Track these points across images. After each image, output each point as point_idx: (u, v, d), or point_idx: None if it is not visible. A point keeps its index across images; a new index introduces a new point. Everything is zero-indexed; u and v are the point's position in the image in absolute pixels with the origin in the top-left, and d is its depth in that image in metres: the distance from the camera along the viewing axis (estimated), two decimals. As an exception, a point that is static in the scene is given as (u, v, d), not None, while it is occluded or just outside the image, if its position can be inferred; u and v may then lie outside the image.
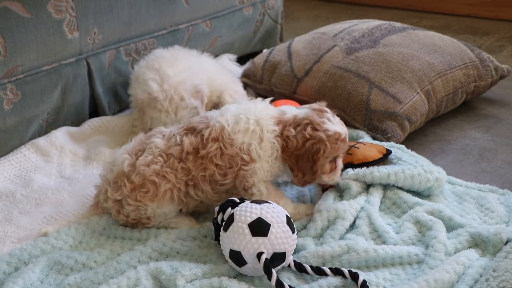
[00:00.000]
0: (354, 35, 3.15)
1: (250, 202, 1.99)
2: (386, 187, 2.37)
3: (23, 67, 2.65)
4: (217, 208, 2.06)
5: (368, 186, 2.37)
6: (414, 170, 2.33)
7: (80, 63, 2.90)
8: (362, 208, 2.25)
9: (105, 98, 3.06)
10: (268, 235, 1.89)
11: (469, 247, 2.07)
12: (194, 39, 3.42)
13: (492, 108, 3.15)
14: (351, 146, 2.46)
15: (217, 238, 2.04)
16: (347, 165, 2.38)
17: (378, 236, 2.16)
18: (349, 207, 2.21)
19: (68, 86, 2.87)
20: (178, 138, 2.15)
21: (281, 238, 1.90)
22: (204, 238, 2.17)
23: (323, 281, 1.93)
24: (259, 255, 1.87)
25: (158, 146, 2.16)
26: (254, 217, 1.91)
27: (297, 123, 2.18)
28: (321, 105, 2.28)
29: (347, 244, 2.05)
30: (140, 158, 2.14)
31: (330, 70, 3.00)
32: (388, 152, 2.49)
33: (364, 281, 1.90)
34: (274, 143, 2.16)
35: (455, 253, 2.03)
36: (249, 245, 1.88)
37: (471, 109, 3.15)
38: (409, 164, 2.40)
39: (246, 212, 1.93)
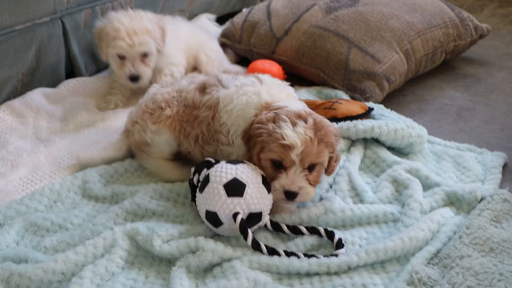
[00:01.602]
0: (333, -7, 3.11)
1: (226, 162, 1.98)
2: (366, 146, 2.39)
3: (-5, 26, 2.59)
4: (193, 169, 2.05)
5: (349, 145, 2.39)
6: (397, 125, 2.36)
7: (54, 23, 2.83)
8: (341, 166, 2.27)
9: (82, 59, 3.00)
10: (244, 195, 1.88)
11: (444, 206, 2.10)
12: (172, -2, 3.36)
13: (471, 68, 3.15)
14: (334, 102, 2.49)
15: (193, 199, 2.04)
16: (332, 119, 2.38)
17: (356, 195, 2.18)
18: None
19: (43, 46, 2.81)
20: (193, 86, 2.27)
21: (256, 198, 1.90)
22: (178, 196, 2.17)
23: (299, 240, 1.94)
24: (235, 215, 1.87)
25: (181, 85, 2.32)
26: (230, 177, 1.90)
27: (272, 109, 2.04)
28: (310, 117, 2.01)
29: (324, 204, 2.06)
30: (160, 89, 2.33)
31: (309, 30, 2.96)
32: (371, 108, 2.50)
33: (340, 239, 1.93)
34: None
35: (430, 211, 2.06)
36: (225, 206, 1.88)
37: (451, 68, 3.15)
38: (392, 119, 2.44)
39: (222, 172, 1.92)
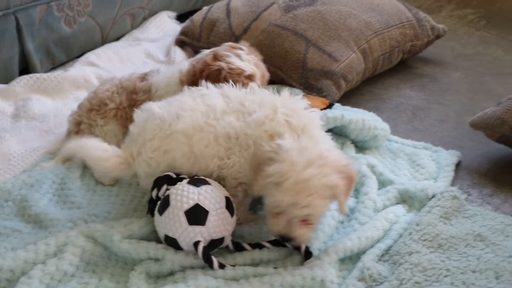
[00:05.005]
0: (292, -8, 3.12)
1: (188, 183, 1.86)
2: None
3: None
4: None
5: None
6: (364, 115, 2.41)
7: (7, 18, 2.77)
8: None
9: (37, 55, 2.94)
10: (206, 224, 1.79)
11: (397, 203, 2.13)
12: (131, -5, 3.32)
13: (427, 68, 3.19)
14: None
15: (151, 211, 1.94)
16: None
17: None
18: None
19: (-5, 42, 2.75)
20: (135, 76, 2.38)
21: (218, 225, 1.81)
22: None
23: (265, 253, 1.90)
24: (196, 243, 1.79)
25: (121, 79, 2.39)
26: (191, 203, 1.79)
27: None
28: (241, 43, 2.28)
29: None
30: (99, 86, 2.40)
31: (268, 28, 2.96)
32: (331, 103, 2.55)
33: (307, 248, 1.88)
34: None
35: (383, 209, 2.08)
36: (185, 234, 1.79)
37: (408, 68, 3.18)
38: (356, 111, 2.50)
39: (183, 197, 1.81)
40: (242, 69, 2.14)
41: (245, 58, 2.19)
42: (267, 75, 2.28)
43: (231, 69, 2.13)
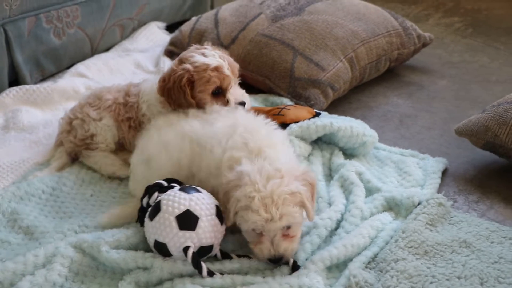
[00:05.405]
0: (280, 2, 3.15)
1: (179, 190, 1.90)
2: (323, 155, 2.45)
3: None
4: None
5: (310, 152, 2.43)
6: (352, 123, 2.43)
7: (-4, 30, 2.79)
8: None
9: (26, 67, 2.95)
10: (196, 229, 1.82)
11: (384, 211, 2.14)
12: (120, 6, 3.33)
13: (414, 76, 3.22)
14: (282, 108, 2.53)
15: (141, 220, 1.97)
16: (281, 125, 2.40)
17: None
18: None
19: (-16, 54, 2.76)
20: (129, 83, 2.48)
21: (209, 232, 1.84)
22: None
23: (253, 264, 1.91)
24: (186, 249, 1.81)
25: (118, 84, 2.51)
26: (183, 209, 1.83)
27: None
28: (205, 44, 2.37)
29: None
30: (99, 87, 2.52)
31: (256, 38, 2.99)
32: (318, 113, 2.57)
33: (295, 261, 1.89)
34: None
35: (370, 217, 2.10)
36: (176, 239, 1.82)
37: (395, 76, 3.21)
38: (344, 119, 2.51)
39: (174, 202, 1.84)
40: (207, 63, 2.24)
41: (209, 54, 2.28)
42: (235, 65, 2.34)
43: (196, 67, 2.23)
